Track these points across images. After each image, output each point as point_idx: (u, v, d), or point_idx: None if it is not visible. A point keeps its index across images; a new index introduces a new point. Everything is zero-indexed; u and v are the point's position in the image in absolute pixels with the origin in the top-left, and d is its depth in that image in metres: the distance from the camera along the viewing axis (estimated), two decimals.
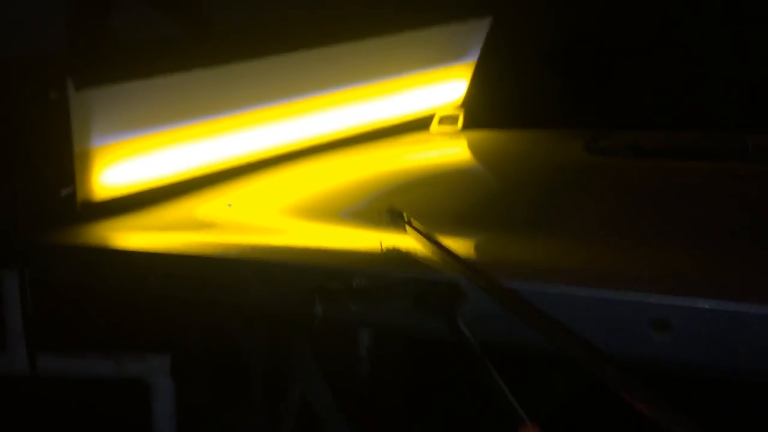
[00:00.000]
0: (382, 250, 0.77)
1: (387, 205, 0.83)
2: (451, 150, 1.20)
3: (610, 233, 0.79)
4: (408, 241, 0.81)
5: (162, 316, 1.00)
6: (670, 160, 1.03)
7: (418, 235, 0.77)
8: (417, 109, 1.26)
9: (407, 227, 0.79)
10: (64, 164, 0.90)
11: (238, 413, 1.09)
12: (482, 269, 0.69)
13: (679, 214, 0.84)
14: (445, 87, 1.27)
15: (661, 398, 0.54)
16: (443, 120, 1.28)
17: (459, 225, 0.87)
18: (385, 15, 1.09)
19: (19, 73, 0.85)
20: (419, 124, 1.29)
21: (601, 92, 1.45)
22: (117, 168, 0.94)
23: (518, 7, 1.31)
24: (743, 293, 0.63)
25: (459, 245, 0.83)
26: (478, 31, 1.22)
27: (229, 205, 0.93)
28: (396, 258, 0.79)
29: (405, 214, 0.81)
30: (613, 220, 0.83)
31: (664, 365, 0.65)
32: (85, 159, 0.91)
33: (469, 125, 1.28)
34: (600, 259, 0.71)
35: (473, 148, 1.21)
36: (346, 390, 0.96)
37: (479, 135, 1.24)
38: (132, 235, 0.95)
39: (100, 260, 0.92)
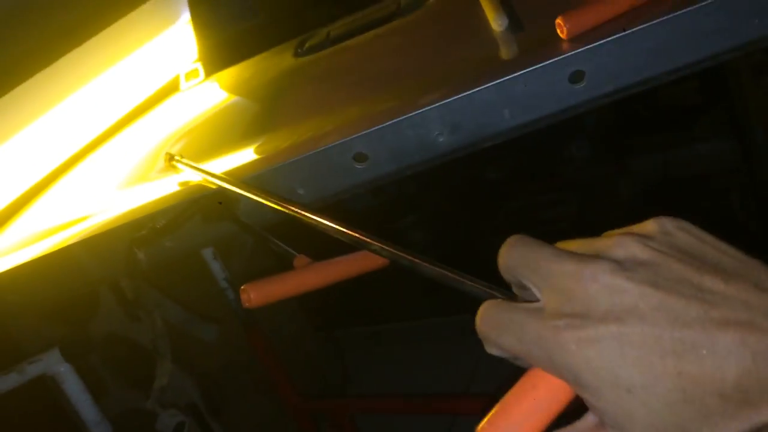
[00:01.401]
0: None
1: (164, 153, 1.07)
2: (199, 98, 1.45)
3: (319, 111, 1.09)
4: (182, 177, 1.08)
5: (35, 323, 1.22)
6: (357, 38, 1.33)
7: (191, 168, 1.03)
8: (163, 77, 1.49)
9: (180, 165, 1.05)
10: None
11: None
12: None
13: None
14: (176, 50, 1.51)
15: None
16: (188, 76, 1.52)
17: (221, 153, 1.14)
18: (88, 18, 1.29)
19: None
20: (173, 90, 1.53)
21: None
22: None
23: None
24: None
25: (221, 165, 1.10)
26: None
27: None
28: (176, 193, 1.05)
29: (177, 156, 1.06)
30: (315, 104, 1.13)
31: None
32: None
33: (211, 73, 1.53)
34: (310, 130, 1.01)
35: (217, 89, 1.46)
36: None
37: (219, 77, 1.49)
38: None
39: None
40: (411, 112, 0.93)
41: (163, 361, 1.06)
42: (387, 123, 0.94)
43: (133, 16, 1.37)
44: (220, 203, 0.98)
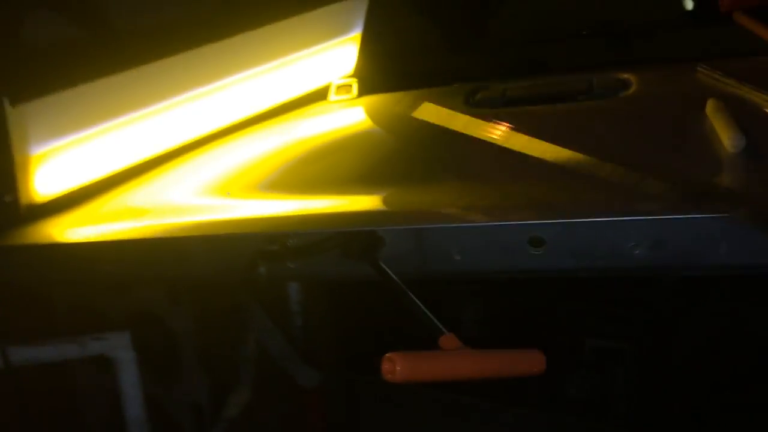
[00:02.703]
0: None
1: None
2: (346, 117, 1.35)
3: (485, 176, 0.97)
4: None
5: (120, 299, 1.12)
6: (535, 106, 1.22)
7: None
8: (314, 84, 1.40)
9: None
10: (6, 173, 0.99)
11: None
12: None
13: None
14: (336, 60, 1.42)
15: None
16: (339, 89, 1.43)
17: (365, 184, 1.03)
18: (270, 5, 1.21)
19: None
20: (319, 97, 1.43)
21: (478, 42, 1.60)
22: (54, 170, 1.04)
23: None
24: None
25: (365, 203, 0.99)
26: (357, 6, 1.36)
27: None
28: (320, 218, 0.94)
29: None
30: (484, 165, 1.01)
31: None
32: (25, 166, 1.01)
33: (364, 92, 1.43)
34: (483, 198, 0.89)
35: (367, 112, 1.36)
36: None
37: (372, 100, 1.39)
38: (77, 229, 1.05)
39: (50, 255, 1.03)
40: (612, 215, 0.81)
41: (240, 391, 0.94)
42: (583, 219, 0.82)
43: (310, 15, 1.29)
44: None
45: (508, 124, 1.10)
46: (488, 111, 1.22)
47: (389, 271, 0.87)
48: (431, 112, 1.24)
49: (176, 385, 1.25)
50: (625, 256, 0.81)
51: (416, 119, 1.23)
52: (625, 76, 1.21)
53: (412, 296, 0.86)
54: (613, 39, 1.41)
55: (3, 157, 0.97)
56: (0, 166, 0.98)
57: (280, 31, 1.24)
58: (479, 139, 1.09)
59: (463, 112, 1.23)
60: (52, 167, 1.05)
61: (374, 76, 1.43)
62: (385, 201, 0.98)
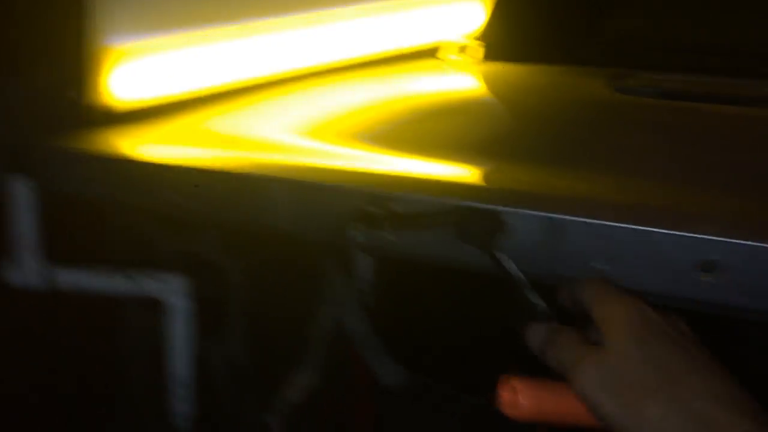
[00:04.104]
0: None
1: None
2: (471, 80, 1.18)
3: (646, 172, 0.79)
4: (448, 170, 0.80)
5: (181, 237, 0.98)
6: (695, 103, 1.03)
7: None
8: (430, 39, 1.23)
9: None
10: (73, 63, 0.85)
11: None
12: None
13: (708, 157, 0.85)
14: (460, 15, 1.24)
15: None
16: (462, 49, 1.26)
17: (492, 156, 0.86)
18: None
19: None
20: (430, 54, 1.27)
21: (623, 30, 1.41)
22: (132, 71, 0.89)
23: None
24: None
25: (495, 177, 0.82)
26: None
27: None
28: (432, 185, 0.78)
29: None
30: (645, 159, 0.83)
31: (710, 306, 0.66)
32: (98, 58, 0.86)
33: (488, 57, 1.26)
34: (645, 198, 0.71)
35: (494, 79, 1.19)
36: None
37: (498, 67, 1.22)
38: (148, 146, 0.91)
39: (110, 168, 0.89)
40: None
41: (307, 371, 0.79)
42: None
43: None
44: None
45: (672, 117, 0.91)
46: (640, 100, 1.04)
47: (510, 264, 0.71)
48: (568, 91, 1.06)
49: (226, 347, 1.11)
50: None
51: (553, 95, 1.06)
52: None
53: (536, 299, 0.69)
54: None
55: (72, 43, 0.82)
56: (67, 53, 0.83)
57: None
58: (631, 129, 0.90)
59: (606, 96, 1.04)
60: (132, 68, 0.90)
61: (503, 41, 1.25)
62: (511, 178, 0.80)
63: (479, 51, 1.24)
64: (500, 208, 0.70)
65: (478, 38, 1.28)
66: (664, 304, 0.64)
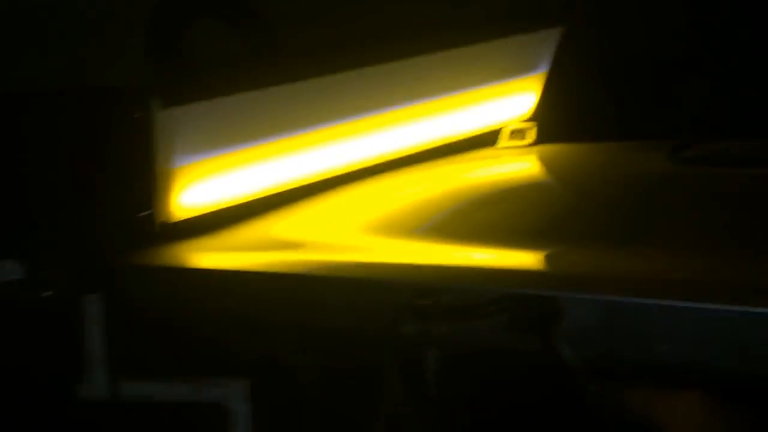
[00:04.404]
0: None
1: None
2: (525, 164, 1.17)
3: (712, 245, 0.75)
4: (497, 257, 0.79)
5: (243, 339, 0.99)
6: (759, 169, 0.98)
7: None
8: (486, 123, 1.24)
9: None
10: (146, 185, 0.90)
11: None
12: None
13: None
14: (513, 100, 1.25)
15: None
16: (514, 134, 1.25)
17: (546, 239, 0.84)
18: (451, 27, 1.07)
19: (105, 97, 0.85)
20: (487, 140, 1.27)
21: (670, 103, 1.40)
22: (197, 188, 0.93)
23: (588, 18, 1.28)
24: None
25: (550, 261, 0.80)
26: (547, 42, 1.19)
27: None
28: (484, 274, 0.76)
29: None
30: (711, 232, 0.79)
31: None
32: (166, 179, 0.91)
33: (539, 140, 1.25)
34: (710, 273, 0.67)
35: (547, 161, 1.17)
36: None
37: (552, 149, 1.21)
38: (211, 255, 0.94)
39: (179, 280, 0.91)
40: None
41: None
42: None
43: (491, 46, 1.13)
44: None
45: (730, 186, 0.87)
46: (699, 169, 1.00)
47: (567, 352, 0.67)
48: (627, 165, 1.03)
49: None
50: None
51: (606, 172, 1.03)
52: None
53: (595, 390, 0.65)
54: None
55: (144, 167, 0.87)
56: (139, 176, 0.88)
57: (455, 60, 1.09)
58: (691, 200, 0.87)
59: (667, 167, 1.01)
60: (196, 183, 0.94)
61: (555, 122, 1.25)
62: (566, 262, 0.78)
63: (532, 134, 1.24)
64: (552, 293, 0.68)
65: (530, 120, 1.27)
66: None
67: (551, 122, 1.27)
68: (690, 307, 0.62)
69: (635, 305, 0.65)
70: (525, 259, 0.80)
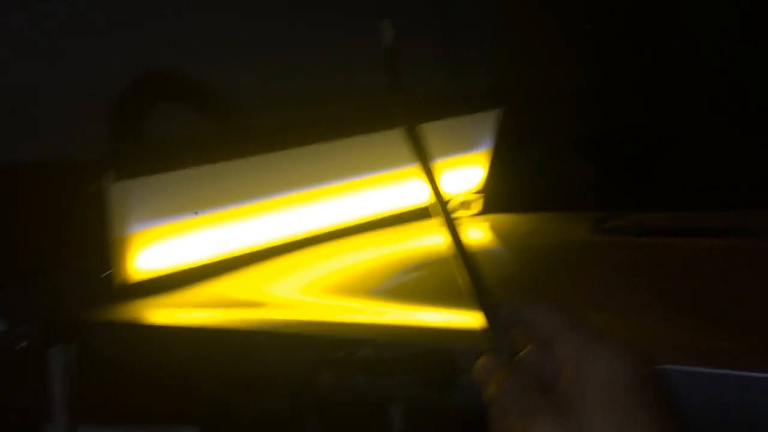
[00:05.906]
0: None
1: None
2: (466, 232, 1.26)
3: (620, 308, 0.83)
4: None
5: (192, 388, 1.07)
6: (672, 238, 1.07)
7: None
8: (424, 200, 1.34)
9: None
10: (103, 251, 1.00)
11: None
12: None
13: (675, 289, 0.88)
14: (459, 174, 1.35)
15: None
16: (462, 205, 1.35)
17: (459, 300, 0.92)
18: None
19: (63, 173, 0.97)
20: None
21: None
22: (151, 252, 1.04)
23: (534, 98, 1.40)
24: None
25: (457, 321, 0.88)
26: (489, 122, 1.31)
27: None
28: (404, 331, 0.84)
29: None
30: (620, 296, 0.87)
31: None
32: (122, 244, 1.01)
33: (487, 210, 1.35)
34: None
35: (487, 228, 1.27)
36: None
37: (494, 218, 1.30)
38: (162, 312, 1.03)
39: (132, 334, 1.01)
40: None
41: None
42: None
43: (436, 126, 1.24)
44: None
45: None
46: (621, 239, 1.09)
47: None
48: (556, 234, 1.13)
49: None
50: None
51: (537, 240, 1.13)
52: None
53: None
54: None
55: (100, 236, 0.98)
56: (97, 244, 0.99)
57: (396, 139, 1.20)
58: (608, 266, 0.96)
59: (590, 238, 1.10)
60: (150, 248, 1.05)
61: (498, 195, 1.35)
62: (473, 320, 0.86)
63: (478, 204, 1.34)
64: (453, 347, 0.76)
65: (478, 192, 1.37)
66: None
67: (499, 194, 1.37)
68: None
69: None
70: (441, 317, 0.88)
